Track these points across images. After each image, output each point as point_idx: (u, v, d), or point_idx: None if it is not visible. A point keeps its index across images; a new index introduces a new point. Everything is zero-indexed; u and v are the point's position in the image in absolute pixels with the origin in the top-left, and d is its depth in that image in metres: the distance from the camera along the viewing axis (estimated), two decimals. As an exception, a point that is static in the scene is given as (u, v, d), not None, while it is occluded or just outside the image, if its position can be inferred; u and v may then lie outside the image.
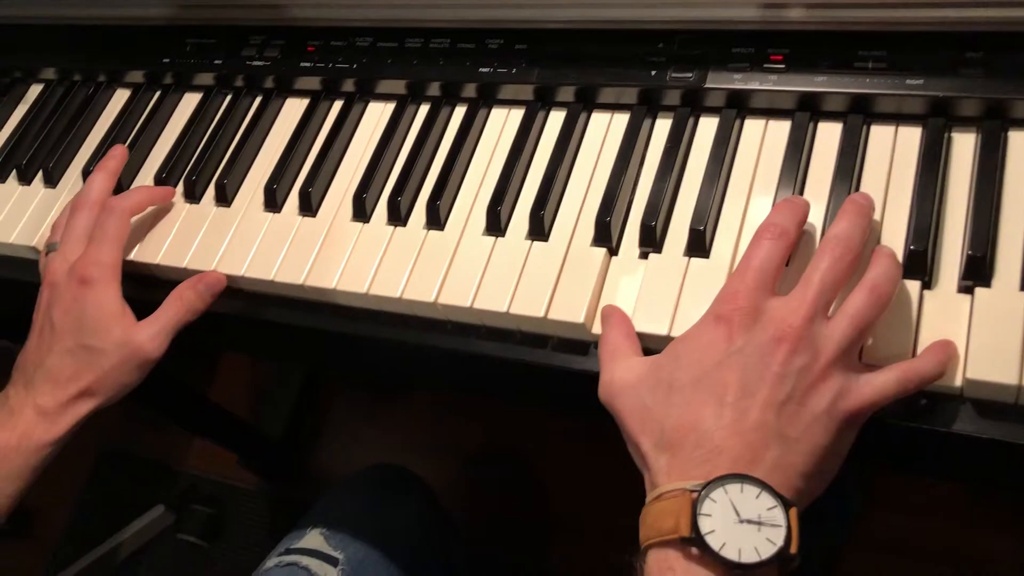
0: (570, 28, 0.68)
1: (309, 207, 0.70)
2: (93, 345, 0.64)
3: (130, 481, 1.59)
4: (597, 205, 0.62)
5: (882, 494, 1.21)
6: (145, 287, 0.71)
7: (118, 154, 0.74)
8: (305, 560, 0.78)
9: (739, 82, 0.62)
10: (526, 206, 0.64)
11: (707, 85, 0.63)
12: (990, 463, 0.54)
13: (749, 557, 0.43)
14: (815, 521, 1.23)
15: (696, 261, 0.58)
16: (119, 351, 0.64)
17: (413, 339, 0.64)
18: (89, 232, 0.68)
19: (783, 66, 0.62)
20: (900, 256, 0.54)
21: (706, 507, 0.44)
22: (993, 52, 0.57)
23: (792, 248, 0.52)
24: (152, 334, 0.65)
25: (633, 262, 0.60)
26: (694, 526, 0.44)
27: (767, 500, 0.44)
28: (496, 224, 0.64)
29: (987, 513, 1.18)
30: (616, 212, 0.62)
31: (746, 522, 0.44)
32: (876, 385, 0.48)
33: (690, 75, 0.64)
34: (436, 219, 0.66)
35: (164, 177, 0.75)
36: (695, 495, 0.45)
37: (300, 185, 0.71)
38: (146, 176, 0.77)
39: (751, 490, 0.45)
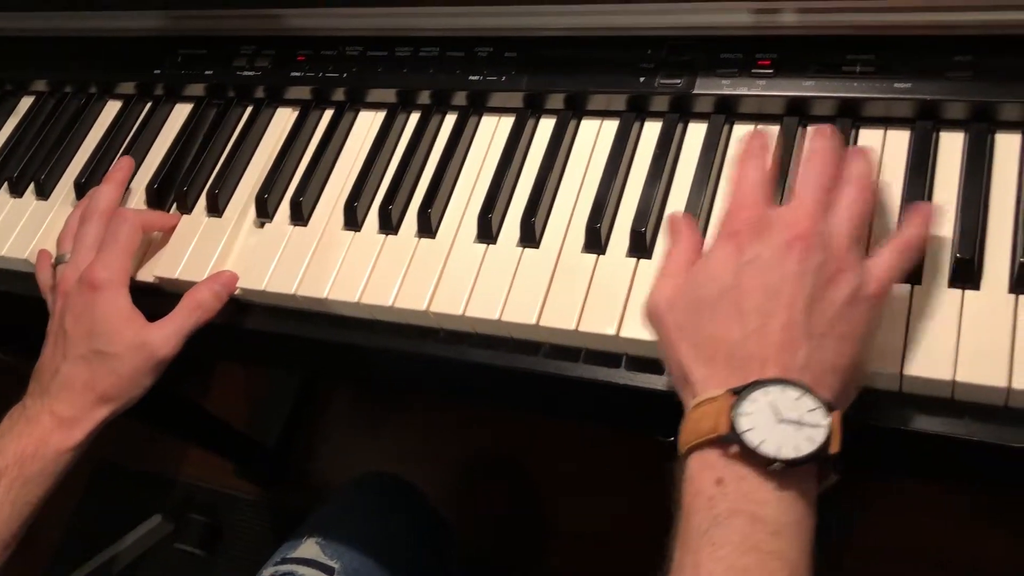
0: (559, 36, 0.68)
1: (300, 216, 0.70)
2: (106, 350, 0.64)
3: (127, 491, 1.58)
4: (587, 211, 0.62)
5: (875, 497, 1.21)
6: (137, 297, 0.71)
7: (125, 165, 0.75)
8: (301, 570, 0.78)
9: (727, 88, 0.63)
10: (517, 213, 0.64)
11: (695, 91, 0.63)
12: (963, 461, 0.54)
13: (788, 453, 0.44)
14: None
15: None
16: (133, 354, 0.64)
17: (406, 347, 0.65)
18: (99, 241, 0.68)
19: (771, 71, 0.62)
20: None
21: (745, 407, 0.45)
22: (980, 55, 0.58)
23: (768, 168, 0.54)
24: (166, 335, 0.65)
25: (624, 268, 0.60)
26: (732, 424, 0.45)
27: (808, 402, 0.45)
28: (487, 231, 0.64)
29: (980, 514, 1.19)
30: (606, 218, 0.62)
31: (786, 422, 0.44)
32: (883, 265, 0.49)
33: (678, 81, 0.64)
34: (427, 227, 0.66)
35: (156, 188, 0.75)
36: (734, 396, 0.45)
37: (291, 194, 0.71)
38: (138, 186, 0.77)
39: (791, 392, 0.45)
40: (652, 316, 0.53)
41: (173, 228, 0.72)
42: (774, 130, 0.56)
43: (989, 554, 1.17)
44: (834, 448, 0.44)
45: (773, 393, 0.45)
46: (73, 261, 0.68)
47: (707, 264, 0.51)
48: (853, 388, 0.49)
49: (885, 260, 0.50)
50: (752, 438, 0.44)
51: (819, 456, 0.44)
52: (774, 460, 0.44)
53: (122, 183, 0.73)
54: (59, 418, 0.64)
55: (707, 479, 0.45)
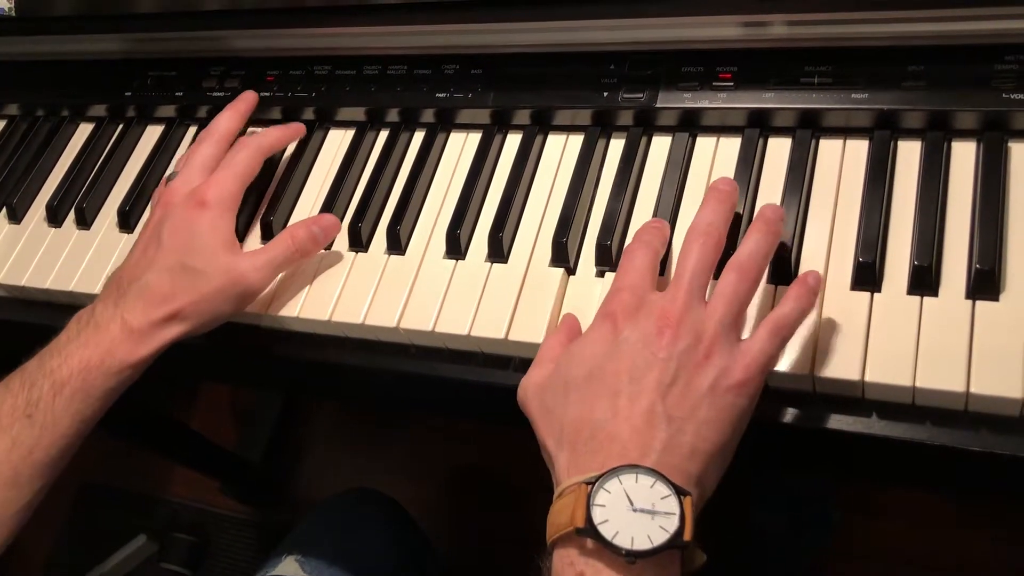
0: (524, 52, 0.69)
1: (271, 237, 0.70)
2: (196, 266, 0.62)
3: (111, 511, 1.58)
4: (554, 226, 0.63)
5: (861, 502, 1.22)
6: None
7: (250, 98, 0.73)
8: (280, 587, 0.78)
9: (689, 101, 0.63)
10: (485, 229, 0.65)
11: (658, 105, 0.64)
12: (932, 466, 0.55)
13: (642, 544, 0.44)
14: (797, 531, 1.24)
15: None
16: (222, 276, 0.62)
17: (378, 364, 0.65)
18: (212, 164, 0.67)
19: (732, 84, 0.63)
20: (850, 267, 0.56)
21: (600, 498, 0.45)
22: (934, 65, 0.59)
23: (659, 257, 0.55)
24: (258, 265, 0.63)
25: (590, 281, 0.61)
26: (588, 516, 0.45)
27: (661, 489, 0.45)
28: (456, 247, 0.65)
29: (967, 518, 1.19)
30: (573, 232, 0.62)
31: (640, 511, 0.45)
32: (753, 350, 0.49)
33: (641, 95, 0.65)
34: (397, 244, 0.66)
35: (128, 209, 0.75)
36: (589, 487, 0.45)
37: (262, 215, 0.71)
38: (110, 208, 0.78)
39: (645, 479, 0.45)
40: (521, 403, 0.54)
41: (298, 136, 0.72)
42: (667, 230, 0.58)
43: (974, 558, 1.17)
44: (687, 536, 0.44)
45: (627, 481, 0.45)
46: (182, 176, 0.66)
47: (582, 343, 0.52)
48: (715, 474, 0.49)
49: (757, 344, 0.49)
50: (607, 531, 0.44)
51: (672, 545, 0.44)
52: (628, 552, 0.44)
53: (244, 113, 0.72)
54: (129, 328, 0.61)
55: (569, 575, 0.46)
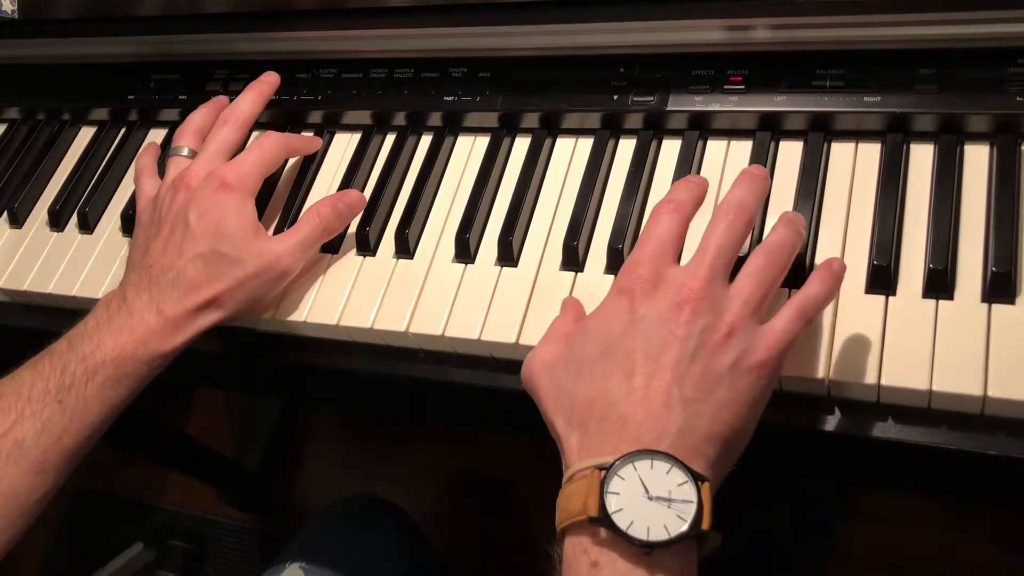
0: (533, 55, 0.69)
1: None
2: (230, 253, 0.61)
3: (107, 519, 1.57)
4: (564, 230, 0.63)
5: (861, 506, 1.22)
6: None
7: (272, 79, 0.72)
8: (284, 596, 0.77)
9: (700, 104, 0.63)
10: (494, 232, 0.64)
11: (669, 108, 0.64)
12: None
13: (658, 535, 0.42)
14: (799, 537, 1.23)
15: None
16: (256, 261, 0.61)
17: (386, 369, 0.64)
18: (232, 149, 0.66)
19: (743, 87, 0.63)
20: (864, 271, 0.55)
21: (614, 485, 0.43)
22: (946, 68, 0.59)
23: (688, 222, 0.52)
24: (290, 247, 0.62)
25: (602, 285, 0.61)
26: (602, 505, 0.43)
27: (678, 475, 0.43)
28: (465, 251, 0.64)
29: (964, 522, 1.19)
30: (583, 236, 0.62)
31: (656, 499, 0.43)
32: (777, 329, 0.48)
33: (651, 99, 0.64)
34: (405, 248, 0.66)
35: (132, 214, 0.75)
36: (603, 473, 0.44)
37: (267, 220, 0.71)
38: (113, 212, 0.77)
39: (661, 465, 0.43)
40: (526, 379, 0.52)
41: (314, 151, 0.72)
42: (704, 186, 0.55)
43: (973, 561, 1.17)
44: (705, 524, 0.43)
45: (643, 467, 0.43)
46: (202, 158, 0.65)
47: (595, 318, 0.50)
48: (731, 458, 0.48)
49: (781, 325, 0.48)
50: (621, 520, 0.43)
51: (690, 535, 0.43)
52: (644, 543, 0.42)
53: (267, 96, 0.71)
54: (165, 317, 0.60)
55: (583, 564, 0.44)
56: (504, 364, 0.61)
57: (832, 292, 0.50)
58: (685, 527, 0.42)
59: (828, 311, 0.54)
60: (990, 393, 0.50)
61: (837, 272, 0.50)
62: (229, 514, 1.50)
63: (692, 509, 0.43)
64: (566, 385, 0.49)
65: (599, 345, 0.48)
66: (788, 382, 0.54)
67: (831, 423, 0.54)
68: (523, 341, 0.59)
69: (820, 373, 0.53)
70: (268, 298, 0.64)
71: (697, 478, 0.44)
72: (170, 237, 0.62)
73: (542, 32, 0.67)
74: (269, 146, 0.66)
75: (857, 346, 0.53)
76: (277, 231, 0.70)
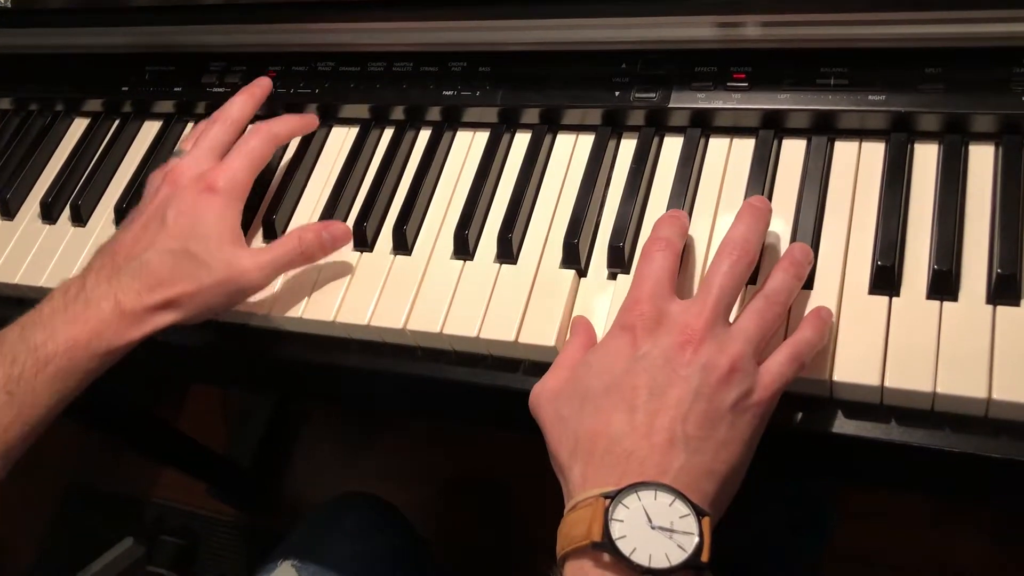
0: (533, 50, 0.68)
1: (274, 235, 0.69)
2: (199, 255, 0.59)
3: (98, 514, 1.55)
4: (565, 227, 0.62)
5: (853, 505, 1.22)
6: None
7: (264, 83, 0.71)
8: (278, 593, 0.76)
9: (703, 101, 0.63)
10: (494, 229, 0.64)
11: (671, 105, 0.63)
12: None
13: (659, 563, 0.43)
14: (794, 537, 1.22)
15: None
16: (223, 270, 0.60)
17: (383, 366, 0.64)
18: (223, 147, 0.65)
19: (746, 84, 0.62)
20: (868, 271, 0.55)
21: (618, 513, 0.44)
22: (951, 68, 0.58)
23: (679, 256, 0.54)
24: (260, 263, 0.61)
25: (602, 283, 0.60)
26: (606, 531, 0.44)
27: (680, 508, 0.44)
28: (464, 248, 0.64)
29: (957, 521, 1.19)
30: (583, 234, 0.61)
31: (658, 529, 0.44)
32: (774, 371, 0.49)
33: (654, 95, 0.64)
34: (403, 243, 0.65)
35: (125, 207, 0.74)
36: (608, 501, 0.45)
37: (263, 214, 0.70)
38: (106, 205, 0.76)
39: (665, 497, 0.45)
40: (532, 408, 0.53)
41: (311, 128, 0.70)
42: (686, 220, 0.57)
43: (966, 561, 1.17)
44: (705, 556, 0.44)
45: (647, 498, 0.44)
46: (192, 156, 0.64)
47: (598, 355, 0.51)
48: (728, 494, 0.49)
49: (776, 368, 0.49)
50: (624, 546, 0.44)
51: (689, 565, 0.43)
52: (645, 570, 0.43)
53: (259, 98, 0.70)
54: (121, 309, 0.58)
55: None
56: (502, 362, 0.60)
57: (824, 338, 0.52)
58: (686, 556, 0.43)
59: (831, 311, 0.54)
60: (994, 396, 0.49)
61: (826, 319, 0.52)
62: (222, 510, 1.49)
63: (694, 541, 0.44)
64: (570, 418, 0.50)
65: (603, 380, 0.49)
66: (791, 382, 0.53)
67: (834, 424, 0.53)
68: (522, 339, 0.59)
69: (823, 374, 0.52)
70: (226, 309, 0.63)
71: (699, 511, 0.45)
72: (144, 229, 0.61)
73: (543, 27, 0.66)
74: (257, 144, 0.65)
75: (860, 347, 0.52)
76: (267, 226, 0.69)
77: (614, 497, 0.45)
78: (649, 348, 0.49)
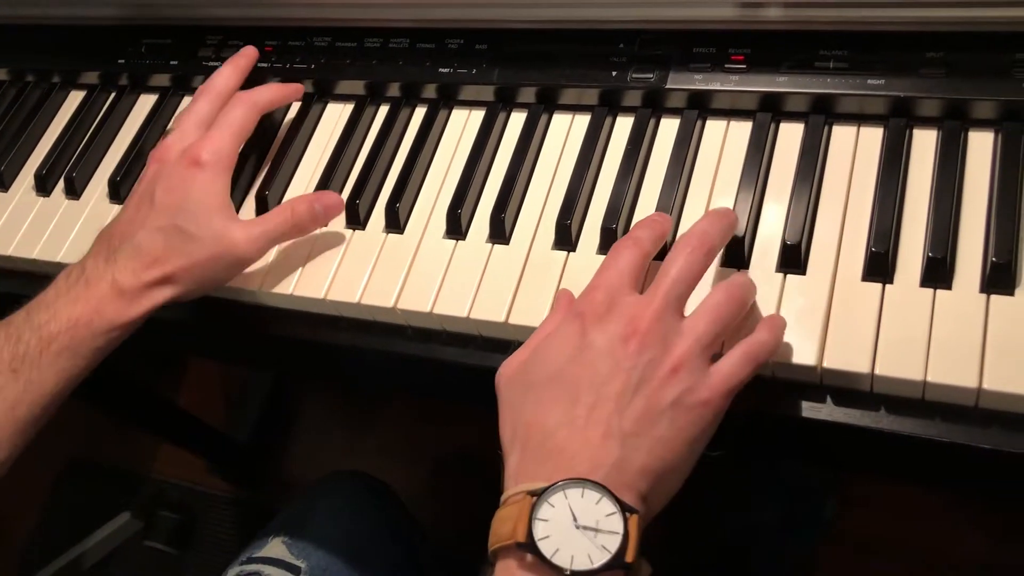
0: (531, 28, 0.67)
1: (267, 210, 0.68)
2: (189, 230, 0.60)
3: (96, 488, 1.56)
4: (558, 208, 0.61)
5: (857, 494, 1.21)
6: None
7: (250, 53, 0.71)
8: (267, 569, 0.76)
9: (700, 83, 0.62)
10: (487, 209, 0.63)
11: (668, 86, 0.62)
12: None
13: (581, 564, 0.43)
14: (789, 527, 1.23)
15: (658, 264, 0.57)
16: (214, 243, 0.60)
17: (373, 345, 0.63)
18: (209, 120, 0.65)
19: (744, 66, 0.61)
20: (861, 258, 0.54)
21: (543, 512, 0.44)
22: (953, 52, 0.57)
23: (648, 259, 0.53)
24: (252, 235, 0.61)
25: (594, 266, 0.59)
26: (529, 531, 0.43)
27: (607, 506, 0.44)
28: (457, 227, 0.63)
29: (957, 512, 1.19)
30: (576, 215, 0.61)
31: (583, 528, 0.43)
32: (724, 371, 0.48)
33: (651, 76, 0.63)
34: (396, 222, 0.65)
35: (119, 179, 0.73)
36: (534, 499, 0.44)
37: (256, 189, 0.69)
38: (100, 178, 0.76)
39: (592, 495, 0.44)
40: (496, 384, 0.52)
41: (299, 94, 0.70)
42: (668, 225, 0.55)
43: (966, 552, 1.17)
44: (629, 557, 0.43)
45: (573, 496, 0.44)
46: (178, 132, 0.64)
47: (548, 342, 0.50)
48: (665, 493, 0.48)
49: (727, 368, 0.48)
50: (547, 548, 0.43)
51: (613, 566, 0.43)
52: (568, 571, 0.42)
53: (244, 69, 0.70)
54: (119, 288, 0.59)
55: None
56: (492, 343, 0.60)
57: (778, 343, 0.50)
58: (608, 558, 0.43)
59: (823, 297, 0.53)
60: (985, 386, 0.49)
61: (781, 325, 0.51)
62: (219, 486, 1.50)
63: (617, 540, 0.43)
64: (516, 404, 0.50)
65: (548, 369, 0.49)
66: (780, 368, 0.53)
67: (822, 411, 0.53)
68: (512, 320, 0.58)
69: (813, 360, 0.52)
70: (224, 281, 0.63)
71: (626, 509, 0.44)
72: (136, 209, 0.62)
73: (541, 4, 0.66)
74: (239, 114, 0.65)
75: (851, 334, 0.52)
76: (260, 201, 0.68)
77: (540, 495, 0.44)
78: (595, 336, 0.48)
